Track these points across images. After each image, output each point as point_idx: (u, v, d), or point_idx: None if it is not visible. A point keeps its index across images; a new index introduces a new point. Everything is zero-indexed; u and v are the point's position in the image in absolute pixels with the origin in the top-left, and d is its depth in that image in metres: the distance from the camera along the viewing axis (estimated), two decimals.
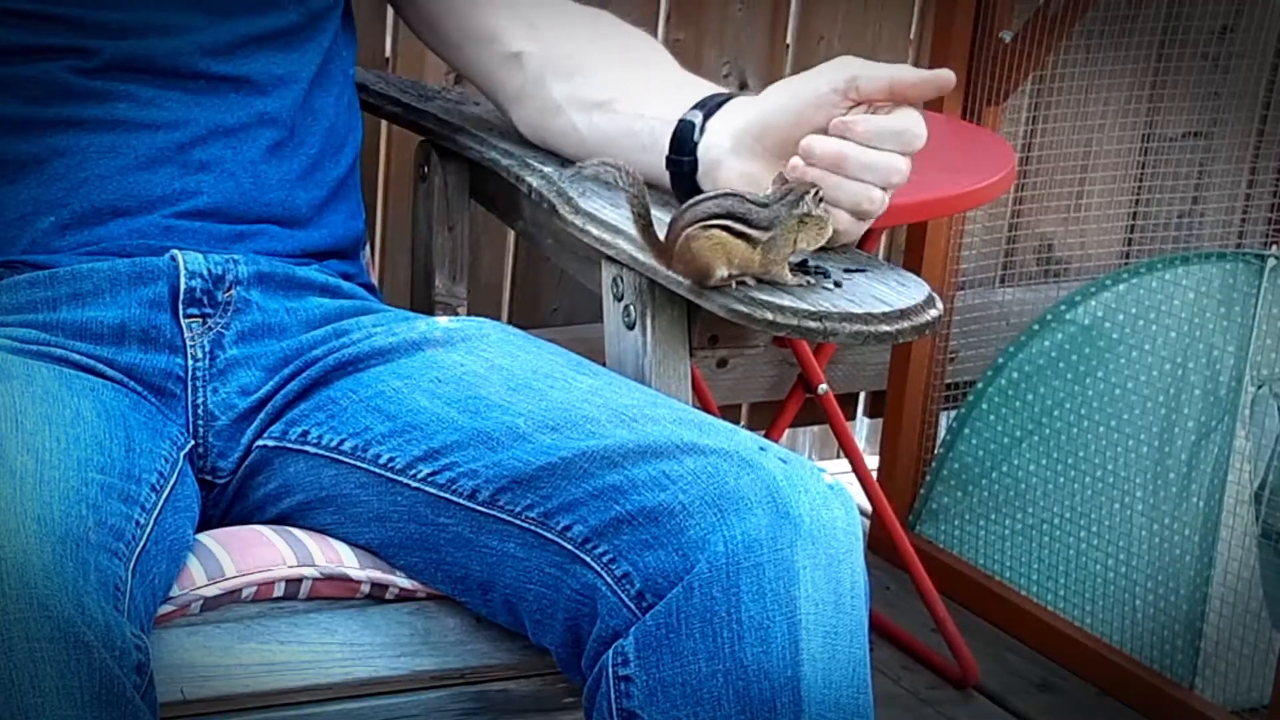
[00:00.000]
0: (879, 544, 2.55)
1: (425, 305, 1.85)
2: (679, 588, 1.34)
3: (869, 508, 2.48)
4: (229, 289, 1.58)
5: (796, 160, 1.47)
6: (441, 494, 1.46)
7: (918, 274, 1.62)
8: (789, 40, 2.56)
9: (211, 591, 1.45)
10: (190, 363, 1.56)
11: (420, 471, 1.47)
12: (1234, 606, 2.29)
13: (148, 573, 1.37)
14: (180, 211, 1.60)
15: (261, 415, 1.56)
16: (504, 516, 1.43)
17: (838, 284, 1.46)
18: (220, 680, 1.41)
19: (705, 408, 2.07)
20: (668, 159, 1.57)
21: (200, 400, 1.56)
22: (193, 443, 1.55)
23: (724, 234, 1.43)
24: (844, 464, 2.46)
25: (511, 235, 2.44)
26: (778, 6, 2.52)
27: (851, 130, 1.46)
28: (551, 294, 2.49)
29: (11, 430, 1.36)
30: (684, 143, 1.57)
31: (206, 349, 1.56)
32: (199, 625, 1.44)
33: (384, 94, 1.89)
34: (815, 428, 2.91)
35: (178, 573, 1.44)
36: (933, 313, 1.45)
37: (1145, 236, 2.76)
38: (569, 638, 1.41)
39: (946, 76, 1.46)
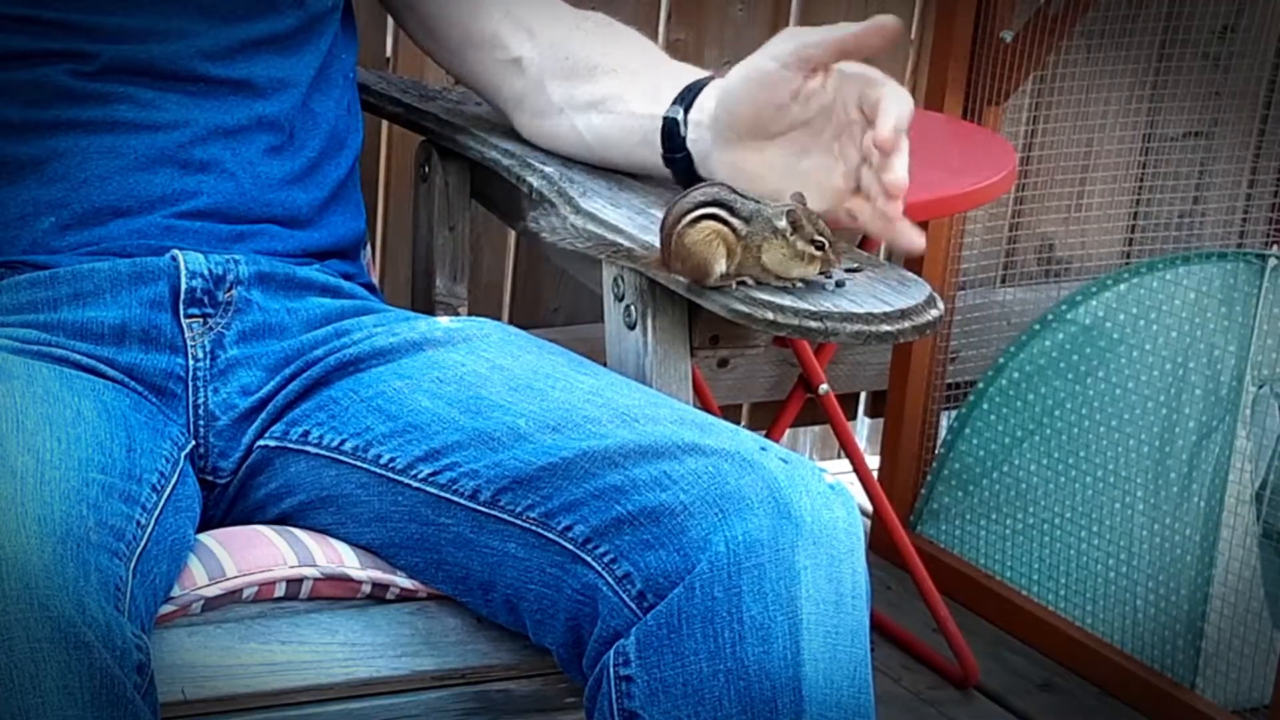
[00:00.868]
0: (880, 544, 2.55)
1: (426, 305, 1.85)
2: (680, 588, 1.34)
3: (870, 508, 2.48)
4: (230, 289, 1.58)
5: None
6: (442, 494, 1.46)
7: (918, 274, 1.62)
8: None
9: (212, 591, 1.45)
10: (191, 363, 1.56)
11: (421, 472, 1.47)
12: (1235, 606, 2.29)
13: (148, 573, 1.37)
14: (180, 212, 1.60)
15: (262, 415, 1.56)
16: (505, 517, 1.43)
17: (839, 284, 1.46)
18: (221, 680, 1.41)
19: (706, 408, 2.07)
20: (663, 156, 1.58)
21: (201, 400, 1.56)
22: (193, 443, 1.55)
23: (713, 223, 1.43)
24: (845, 464, 2.46)
25: (512, 235, 2.44)
26: (778, 6, 2.52)
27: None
28: (552, 294, 2.49)
29: (12, 430, 1.36)
30: (673, 138, 1.57)
31: (207, 349, 1.56)
32: (200, 625, 1.44)
33: (385, 94, 1.89)
34: (816, 428, 2.91)
35: (178, 573, 1.44)
36: (933, 312, 1.45)
37: (1146, 236, 2.76)
38: (570, 638, 1.41)
39: (885, 21, 1.46)
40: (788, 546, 1.34)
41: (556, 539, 1.40)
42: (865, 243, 2.21)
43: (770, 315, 1.43)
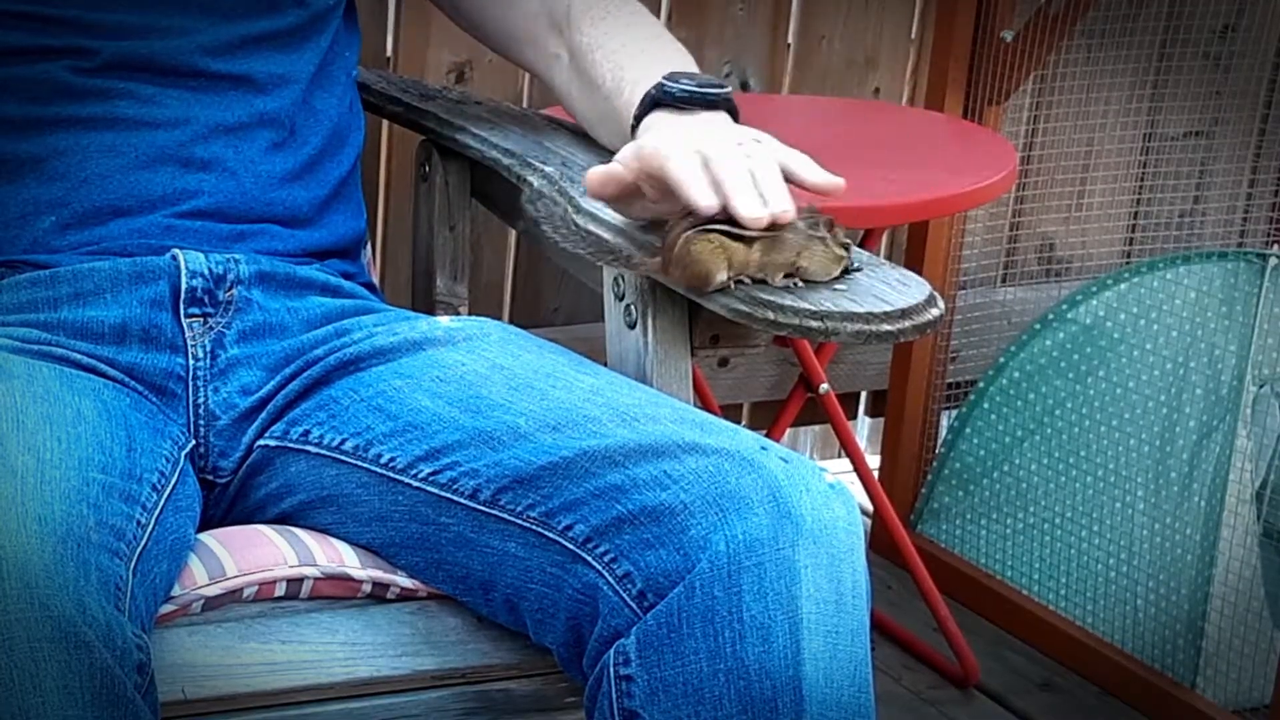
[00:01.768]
0: (880, 543, 2.55)
1: (426, 305, 1.85)
2: (680, 587, 1.34)
3: (870, 507, 2.48)
4: (230, 288, 1.58)
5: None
6: (443, 493, 1.46)
7: (919, 273, 1.62)
8: (790, 40, 2.55)
9: (213, 591, 1.45)
10: (191, 362, 1.56)
11: (421, 471, 1.47)
12: (1235, 606, 2.29)
13: (149, 572, 1.37)
14: (181, 211, 1.60)
15: (263, 415, 1.56)
16: (505, 516, 1.43)
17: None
18: (221, 680, 1.41)
19: (706, 407, 2.07)
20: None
21: (201, 400, 1.56)
22: (194, 442, 1.55)
23: (722, 237, 1.43)
24: (845, 463, 2.46)
25: (513, 235, 2.44)
26: (779, 6, 2.52)
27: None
28: (553, 293, 2.49)
29: (12, 430, 1.36)
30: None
31: (207, 348, 1.56)
32: (200, 625, 1.44)
33: (385, 93, 1.89)
34: (816, 427, 2.91)
35: (179, 572, 1.44)
36: (934, 312, 1.45)
37: (1146, 236, 2.76)
38: (570, 637, 1.41)
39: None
40: (788, 546, 1.34)
41: (557, 538, 1.40)
42: (865, 242, 2.21)
43: (770, 315, 1.43)
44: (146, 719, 1.28)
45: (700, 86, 1.55)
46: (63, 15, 1.58)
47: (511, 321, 1.84)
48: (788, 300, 1.43)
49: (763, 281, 1.45)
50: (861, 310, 1.43)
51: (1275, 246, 2.61)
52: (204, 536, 1.49)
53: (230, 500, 1.58)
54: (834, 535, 1.35)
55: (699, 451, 1.38)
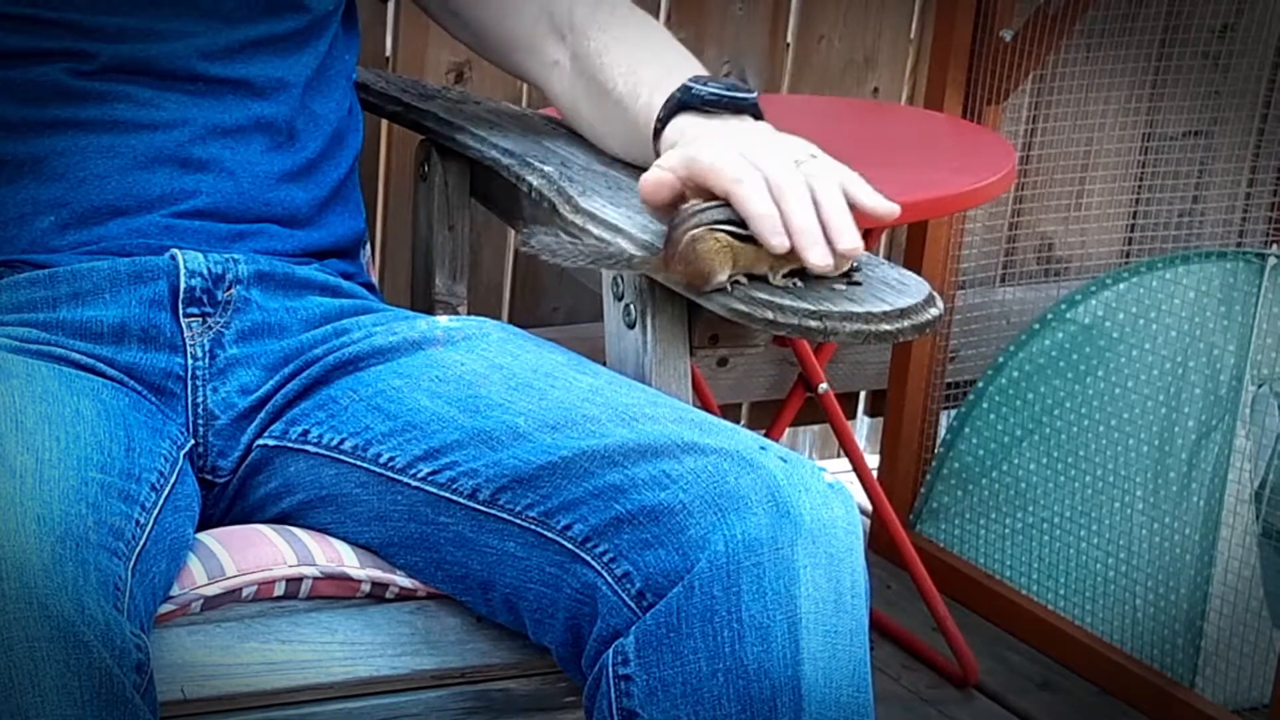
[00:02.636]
0: (879, 543, 2.55)
1: (425, 305, 1.85)
2: (679, 587, 1.34)
3: (869, 507, 2.48)
4: (229, 288, 1.58)
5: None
6: (442, 493, 1.46)
7: (918, 273, 1.62)
8: (789, 40, 2.56)
9: (212, 590, 1.45)
10: (190, 362, 1.56)
11: (420, 471, 1.47)
12: (1234, 605, 2.29)
13: (148, 572, 1.37)
14: (180, 211, 1.60)
15: (262, 414, 1.56)
16: (504, 516, 1.43)
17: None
18: (221, 679, 1.41)
19: (706, 407, 2.07)
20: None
21: (200, 399, 1.56)
22: (193, 442, 1.55)
23: (729, 237, 1.43)
24: (844, 463, 2.45)
25: (512, 234, 2.44)
26: (778, 6, 2.52)
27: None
28: (552, 293, 2.49)
29: (11, 429, 1.36)
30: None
31: (206, 348, 1.57)
32: (199, 624, 1.44)
33: (384, 93, 1.89)
34: (815, 427, 2.91)
35: (178, 572, 1.44)
36: (933, 312, 1.45)
37: (1145, 235, 2.76)
38: (569, 637, 1.41)
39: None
40: (787, 545, 1.34)
41: (556, 538, 1.40)
42: (865, 242, 2.21)
43: (770, 315, 1.43)
44: (145, 719, 1.28)
45: (728, 90, 1.54)
46: (62, 19, 1.58)
47: (511, 321, 1.84)
48: (787, 300, 1.43)
49: (762, 278, 1.45)
50: (860, 310, 1.43)
51: (1274, 246, 2.61)
52: (203, 536, 1.49)
53: (229, 500, 1.58)
54: (833, 535, 1.35)
55: (698, 451, 1.38)
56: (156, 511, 1.41)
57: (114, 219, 1.58)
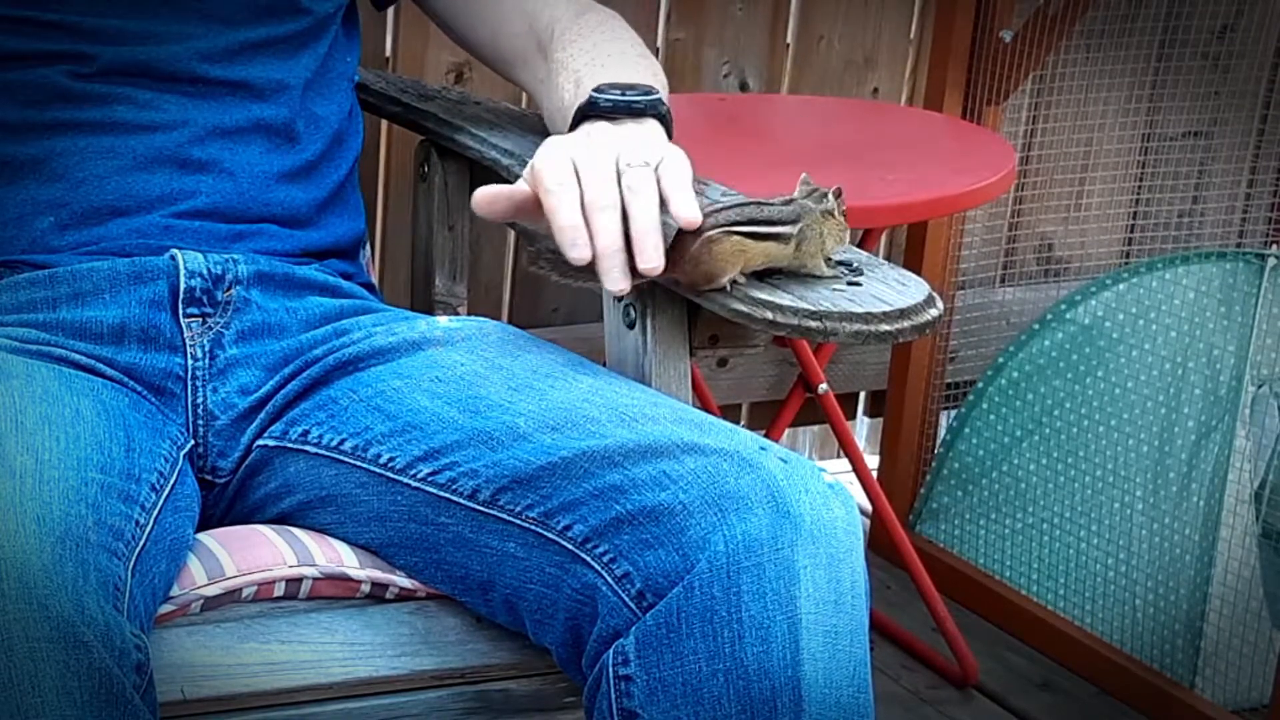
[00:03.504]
0: (879, 543, 2.55)
1: (425, 305, 1.85)
2: (679, 587, 1.34)
3: (869, 507, 2.48)
4: (229, 288, 1.58)
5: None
6: (442, 494, 1.46)
7: (918, 273, 1.62)
8: (789, 40, 2.56)
9: (212, 591, 1.45)
10: (190, 362, 1.56)
11: (420, 471, 1.47)
12: (1234, 606, 2.29)
13: (147, 572, 1.37)
14: (179, 211, 1.60)
15: (261, 415, 1.56)
16: (504, 516, 1.43)
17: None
18: (220, 680, 1.41)
19: (705, 407, 2.07)
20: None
21: (200, 400, 1.56)
22: (193, 442, 1.55)
23: (746, 240, 1.43)
24: (844, 463, 2.46)
25: (512, 235, 2.44)
26: (778, 6, 2.52)
27: None
28: (552, 293, 2.49)
29: (11, 430, 1.36)
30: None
31: (206, 348, 1.57)
32: (199, 625, 1.44)
33: (384, 94, 1.89)
34: (815, 427, 2.91)
35: (178, 572, 1.44)
36: (933, 312, 1.45)
37: (1145, 236, 2.76)
38: (569, 637, 1.41)
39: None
40: (787, 546, 1.34)
41: (556, 538, 1.40)
42: (864, 242, 2.21)
43: (769, 315, 1.43)
44: (145, 719, 1.28)
45: (624, 95, 1.53)
46: (61, 20, 1.58)
47: (511, 321, 1.84)
48: (786, 300, 1.43)
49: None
50: (860, 310, 1.43)
51: (1274, 246, 2.61)
52: (203, 536, 1.49)
53: (229, 500, 1.58)
54: (833, 535, 1.35)
55: (698, 452, 1.38)
56: (156, 512, 1.41)
57: (114, 219, 1.59)
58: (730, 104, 2.39)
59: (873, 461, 2.62)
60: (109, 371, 1.54)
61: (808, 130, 2.34)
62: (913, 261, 2.52)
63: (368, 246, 1.79)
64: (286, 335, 1.59)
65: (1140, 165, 2.74)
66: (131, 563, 1.34)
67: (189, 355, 1.56)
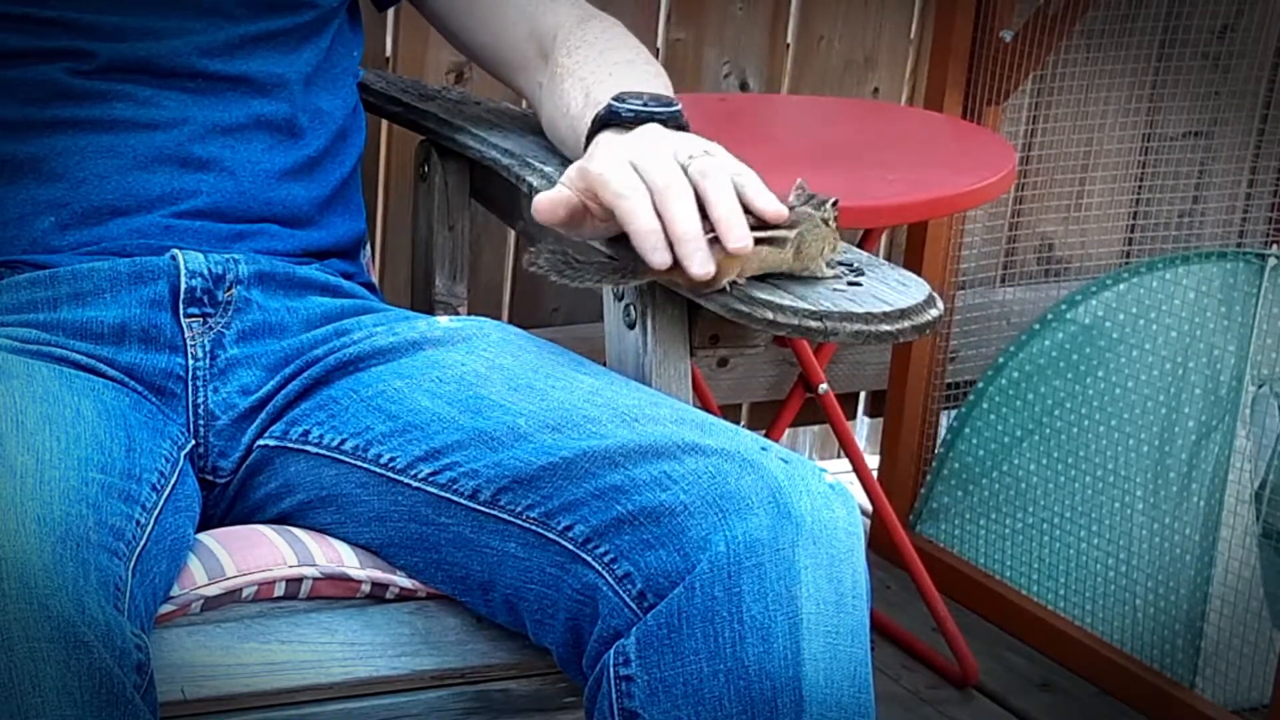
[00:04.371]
0: (880, 544, 2.55)
1: (425, 305, 1.85)
2: (680, 587, 1.34)
3: (869, 507, 2.48)
4: (229, 288, 1.58)
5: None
6: (442, 494, 1.46)
7: (918, 273, 1.62)
8: (789, 40, 2.56)
9: (212, 591, 1.45)
10: (191, 362, 1.56)
11: (421, 471, 1.47)
12: (1234, 606, 2.29)
13: (148, 572, 1.37)
14: (180, 211, 1.60)
15: (262, 415, 1.56)
16: (505, 516, 1.43)
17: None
18: (221, 680, 1.41)
19: (706, 407, 2.07)
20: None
21: (201, 400, 1.56)
22: (193, 442, 1.55)
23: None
24: (844, 464, 2.46)
25: (512, 235, 2.44)
26: (778, 6, 2.52)
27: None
28: (552, 294, 2.49)
29: (12, 430, 1.36)
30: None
31: (207, 348, 1.57)
32: (199, 625, 1.44)
33: (384, 93, 1.89)
34: (816, 427, 2.91)
35: (178, 572, 1.44)
36: (933, 312, 1.45)
37: (1146, 236, 2.76)
38: (570, 637, 1.41)
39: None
40: (788, 546, 1.34)
41: (556, 539, 1.40)
42: (864, 242, 2.21)
43: (770, 315, 1.43)
44: (146, 719, 1.28)
45: (646, 105, 1.52)
46: (61, 17, 1.58)
47: (511, 321, 1.84)
48: (787, 300, 1.43)
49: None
50: (860, 310, 1.43)
51: (1274, 246, 2.61)
52: (203, 536, 1.49)
53: (230, 500, 1.58)
54: (834, 536, 1.35)
55: (699, 452, 1.38)
56: (157, 512, 1.40)
57: (114, 219, 1.59)
58: (730, 104, 2.39)
59: (873, 461, 2.62)
60: (109, 371, 1.54)
61: (808, 130, 2.34)
62: (913, 261, 2.52)
63: (368, 246, 1.79)
64: (287, 335, 1.59)
65: (1140, 165, 2.74)
66: (132, 563, 1.34)
67: (190, 355, 1.56)
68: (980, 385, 2.59)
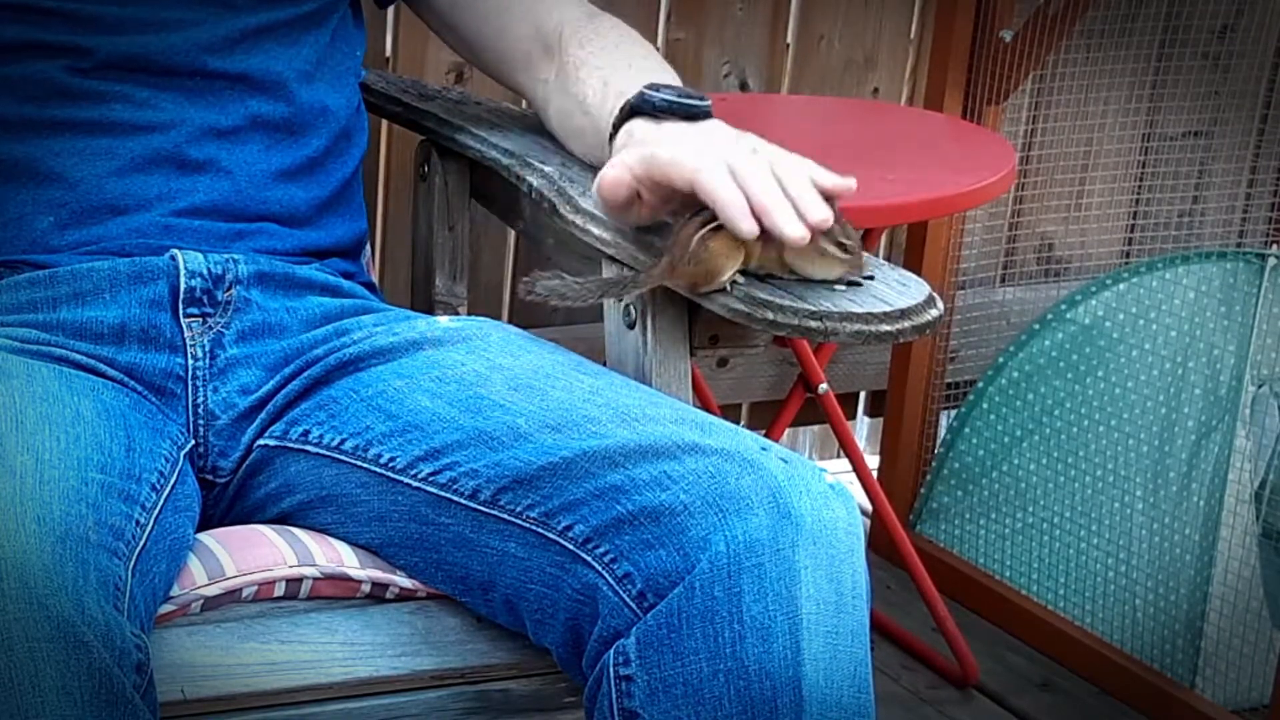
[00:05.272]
0: (880, 543, 2.55)
1: (425, 305, 1.85)
2: (680, 587, 1.34)
3: (869, 507, 2.48)
4: (229, 288, 1.58)
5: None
6: (442, 494, 1.46)
7: (918, 273, 1.62)
8: (789, 40, 2.56)
9: (212, 591, 1.45)
10: (190, 362, 1.56)
11: (421, 471, 1.47)
12: (1234, 606, 2.29)
13: (148, 572, 1.37)
14: (179, 210, 1.60)
15: (262, 415, 1.56)
16: (505, 516, 1.43)
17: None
18: (221, 680, 1.41)
19: (706, 407, 2.07)
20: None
21: (201, 400, 1.56)
22: (193, 442, 1.55)
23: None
24: (844, 464, 2.46)
25: (512, 235, 2.44)
26: (778, 6, 2.52)
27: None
28: None
29: (12, 430, 1.36)
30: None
31: (207, 348, 1.56)
32: (199, 625, 1.44)
33: (384, 93, 1.89)
34: (816, 427, 2.91)
35: (178, 572, 1.44)
36: (933, 312, 1.45)
37: (1145, 236, 2.76)
38: (570, 637, 1.41)
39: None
40: (788, 546, 1.34)
41: (556, 539, 1.40)
42: (865, 242, 2.21)
43: (770, 315, 1.43)
44: (145, 719, 1.28)
45: (680, 97, 1.54)
46: (59, 8, 1.57)
47: (511, 321, 1.84)
48: (787, 300, 1.43)
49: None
50: (860, 310, 1.43)
51: (1274, 246, 2.61)
52: (203, 536, 1.49)
53: (230, 500, 1.58)
54: (834, 536, 1.35)
55: (699, 452, 1.38)
56: (157, 512, 1.40)
57: (113, 219, 1.58)
58: (730, 104, 2.38)
59: (873, 461, 2.62)
60: (109, 371, 1.54)
61: (808, 130, 2.34)
62: (913, 261, 2.52)
63: (368, 246, 1.79)
64: (287, 335, 1.59)
65: (1140, 165, 2.74)
66: (132, 562, 1.34)
67: (189, 355, 1.56)
68: (980, 385, 2.59)
